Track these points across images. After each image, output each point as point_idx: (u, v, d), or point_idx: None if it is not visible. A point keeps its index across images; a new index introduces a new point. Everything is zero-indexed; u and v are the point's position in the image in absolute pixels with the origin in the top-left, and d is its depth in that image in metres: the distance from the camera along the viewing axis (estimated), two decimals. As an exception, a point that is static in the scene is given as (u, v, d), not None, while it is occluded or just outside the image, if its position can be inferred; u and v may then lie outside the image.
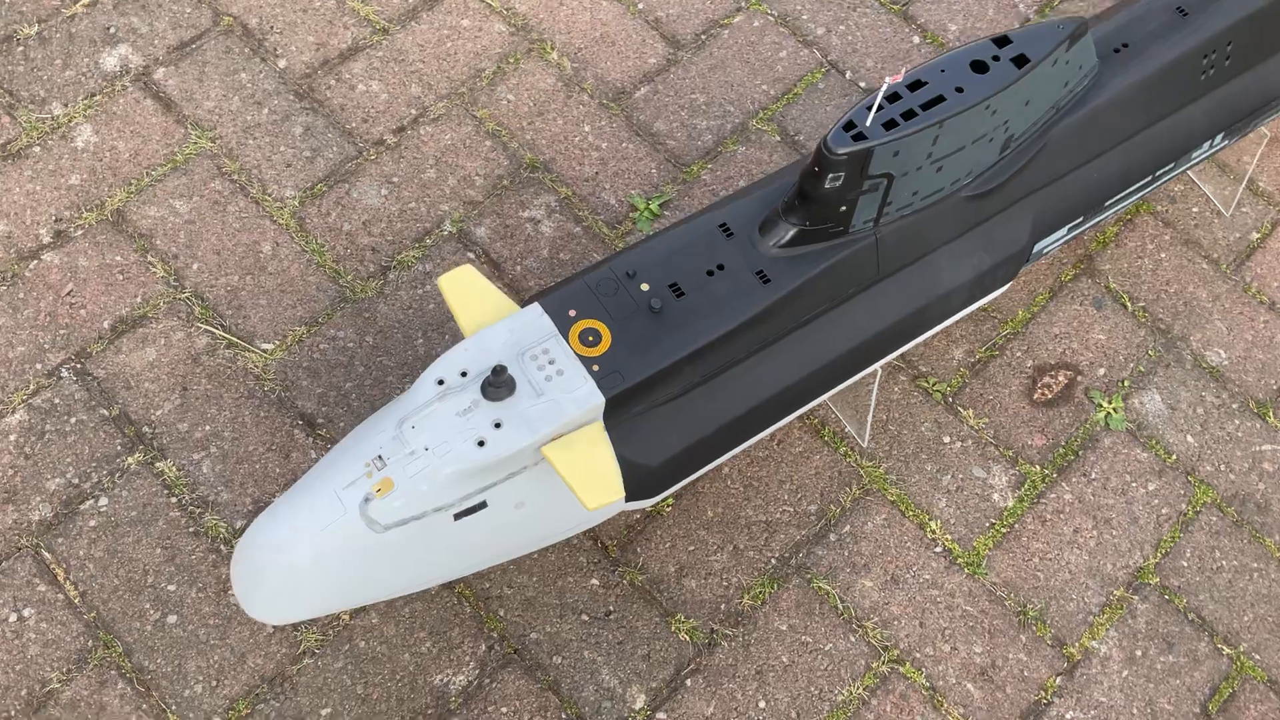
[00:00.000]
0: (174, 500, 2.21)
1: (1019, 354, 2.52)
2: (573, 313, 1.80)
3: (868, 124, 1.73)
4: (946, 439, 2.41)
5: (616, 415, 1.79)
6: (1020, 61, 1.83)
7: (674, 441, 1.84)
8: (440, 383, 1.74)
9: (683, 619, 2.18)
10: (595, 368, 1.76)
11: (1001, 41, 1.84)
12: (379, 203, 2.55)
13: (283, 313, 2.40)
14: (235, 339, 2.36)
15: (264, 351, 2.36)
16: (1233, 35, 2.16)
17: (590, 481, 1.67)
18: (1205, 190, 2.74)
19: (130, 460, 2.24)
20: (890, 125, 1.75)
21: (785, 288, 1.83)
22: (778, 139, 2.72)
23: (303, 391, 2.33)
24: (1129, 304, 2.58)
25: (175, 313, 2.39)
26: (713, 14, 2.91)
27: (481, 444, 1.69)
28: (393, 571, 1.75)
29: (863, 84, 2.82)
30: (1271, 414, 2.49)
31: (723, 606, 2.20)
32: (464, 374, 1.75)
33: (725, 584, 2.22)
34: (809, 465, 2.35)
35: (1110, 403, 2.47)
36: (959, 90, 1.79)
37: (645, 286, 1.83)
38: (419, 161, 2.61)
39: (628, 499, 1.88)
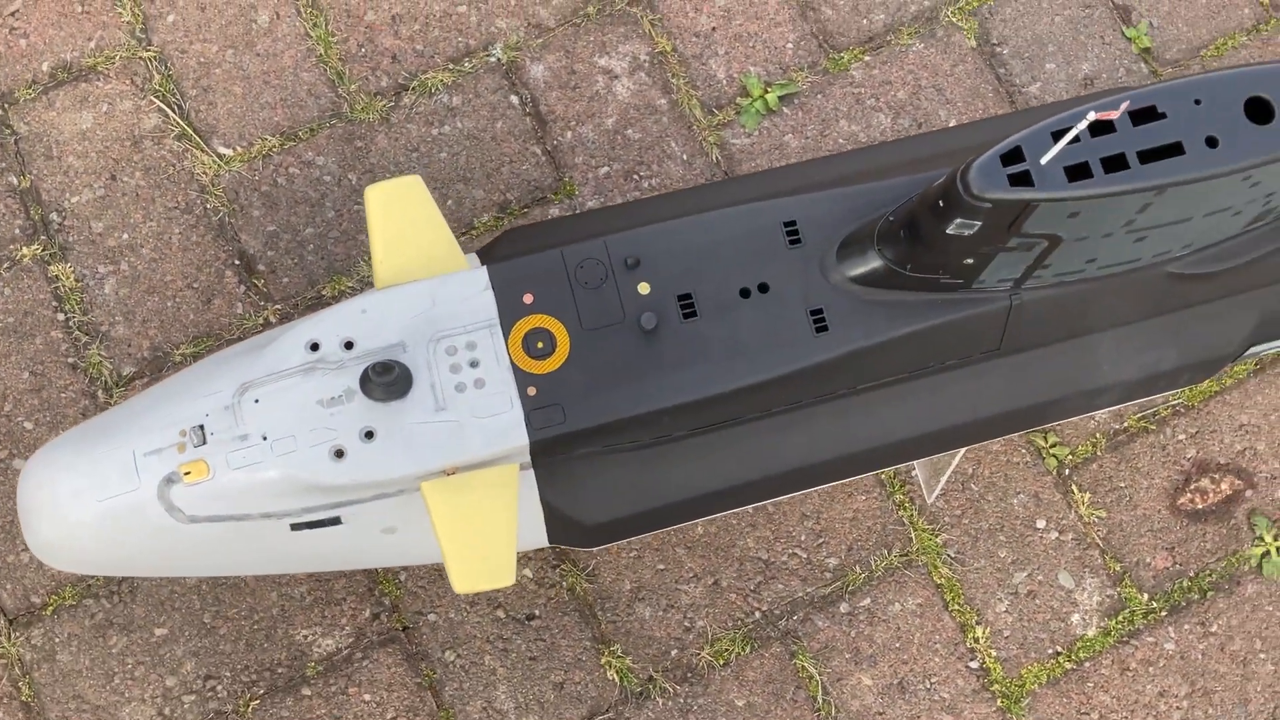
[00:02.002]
0: (61, 318, 1.78)
1: (1182, 437, 1.86)
2: (529, 298, 1.23)
3: (1043, 161, 1.06)
4: (1041, 524, 1.81)
5: (551, 451, 1.25)
6: (1333, 117, 1.10)
7: (627, 502, 1.31)
8: (314, 348, 1.22)
9: (619, 653, 1.71)
10: (532, 391, 1.21)
11: (1318, 75, 1.11)
12: (422, -5, 1.94)
13: (257, 112, 1.87)
14: (190, 129, 1.85)
15: (220, 157, 1.85)
16: None
17: (471, 556, 1.16)
18: None
19: (25, 253, 1.80)
20: (1078, 172, 1.07)
21: (843, 347, 1.23)
22: (972, 45, 1.99)
23: (251, 223, 1.83)
24: (1360, 412, 1.87)
25: (130, 73, 1.88)
26: None
27: (340, 455, 1.19)
28: (202, 559, 1.30)
29: (1115, -4, 2.03)
30: None
31: (673, 653, 1.72)
32: (349, 345, 1.22)
33: (687, 625, 1.73)
34: (848, 506, 1.79)
35: (1276, 539, 1.82)
36: (1210, 143, 1.08)
37: (645, 288, 1.24)
38: (490, -49, 1.98)
39: (551, 541, 1.37)
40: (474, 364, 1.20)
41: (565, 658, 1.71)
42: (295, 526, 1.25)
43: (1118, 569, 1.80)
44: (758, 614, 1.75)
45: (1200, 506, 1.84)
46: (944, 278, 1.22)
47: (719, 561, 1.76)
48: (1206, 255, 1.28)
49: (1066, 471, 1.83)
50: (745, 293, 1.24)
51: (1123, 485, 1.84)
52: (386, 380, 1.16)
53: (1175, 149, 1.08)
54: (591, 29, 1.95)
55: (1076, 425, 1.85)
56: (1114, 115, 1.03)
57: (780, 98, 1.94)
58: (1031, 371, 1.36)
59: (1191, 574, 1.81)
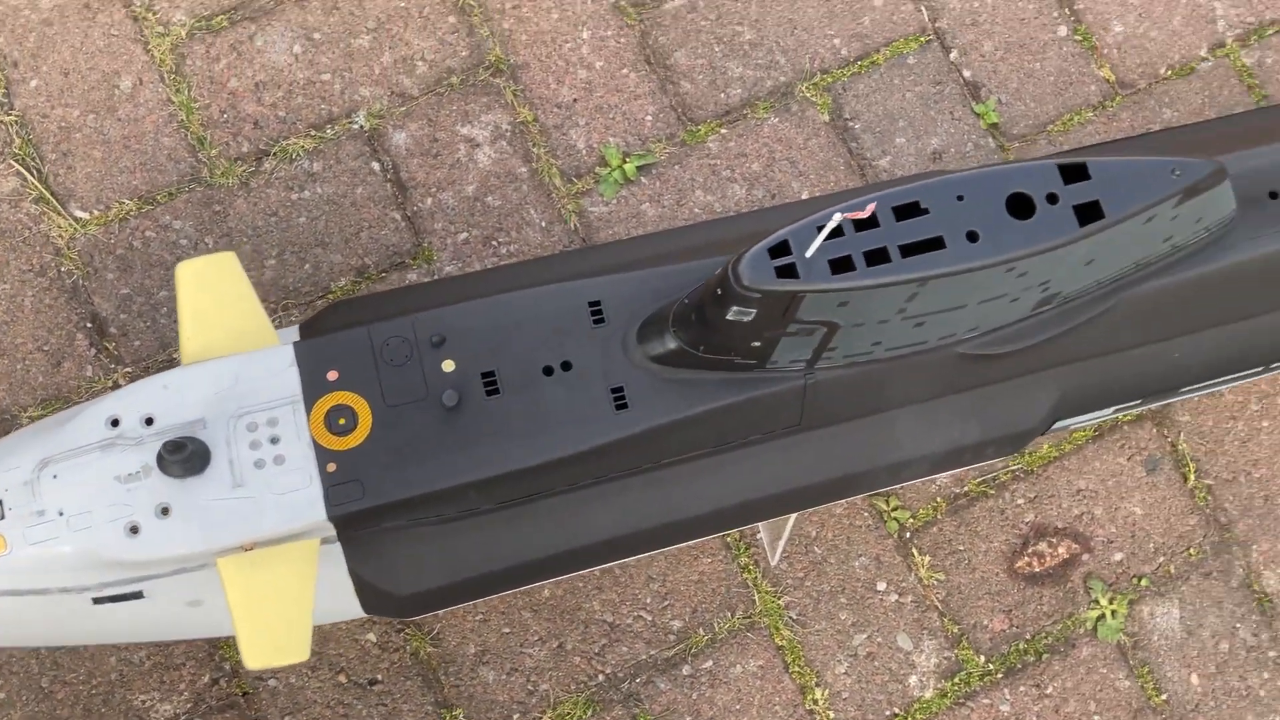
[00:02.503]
0: (-92, 379, 1.78)
1: (1021, 502, 1.91)
2: (333, 375, 1.26)
3: (808, 254, 1.11)
4: (882, 586, 1.85)
5: (357, 525, 1.28)
6: (1088, 213, 1.17)
7: (438, 573, 1.34)
8: (114, 424, 1.24)
9: (461, 718, 1.73)
10: (331, 467, 1.23)
11: (1073, 173, 1.17)
12: (285, 62, 1.98)
13: (116, 176, 1.89)
14: (48, 193, 1.87)
15: (76, 220, 1.87)
16: None
17: (265, 631, 1.17)
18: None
19: (-127, 313, 1.80)
20: (842, 265, 1.12)
21: (645, 423, 1.27)
22: (825, 119, 2.05)
23: (105, 286, 1.84)
24: (1191, 477, 1.94)
25: (-10, 137, 1.89)
26: (807, -79, 2.17)
27: (134, 531, 1.21)
28: (7, 631, 1.31)
29: (968, 73, 2.10)
30: (1317, 681, 1.87)
31: (515, 717, 1.74)
32: (149, 421, 1.24)
33: (530, 689, 1.76)
34: (694, 569, 1.83)
35: (1111, 602, 1.87)
36: (971, 237, 1.14)
37: (449, 366, 1.28)
38: (355, 20, 2.02)
39: (366, 611, 1.39)
40: (274, 440, 1.23)
41: (407, 721, 1.72)
42: (97, 600, 1.26)
43: (955, 631, 1.84)
44: (601, 677, 1.77)
45: (1038, 570, 1.90)
46: (737, 359, 1.26)
47: (564, 624, 1.78)
48: (996, 337, 1.34)
49: (908, 535, 1.88)
50: (549, 370, 1.28)
51: (962, 549, 1.89)
52: (180, 458, 1.18)
53: (937, 243, 1.13)
54: (455, 98, 1.99)
55: (918, 489, 1.90)
56: (861, 215, 1.09)
57: (638, 168, 1.99)
58: (835, 446, 1.40)
59: (1028, 636, 1.86)
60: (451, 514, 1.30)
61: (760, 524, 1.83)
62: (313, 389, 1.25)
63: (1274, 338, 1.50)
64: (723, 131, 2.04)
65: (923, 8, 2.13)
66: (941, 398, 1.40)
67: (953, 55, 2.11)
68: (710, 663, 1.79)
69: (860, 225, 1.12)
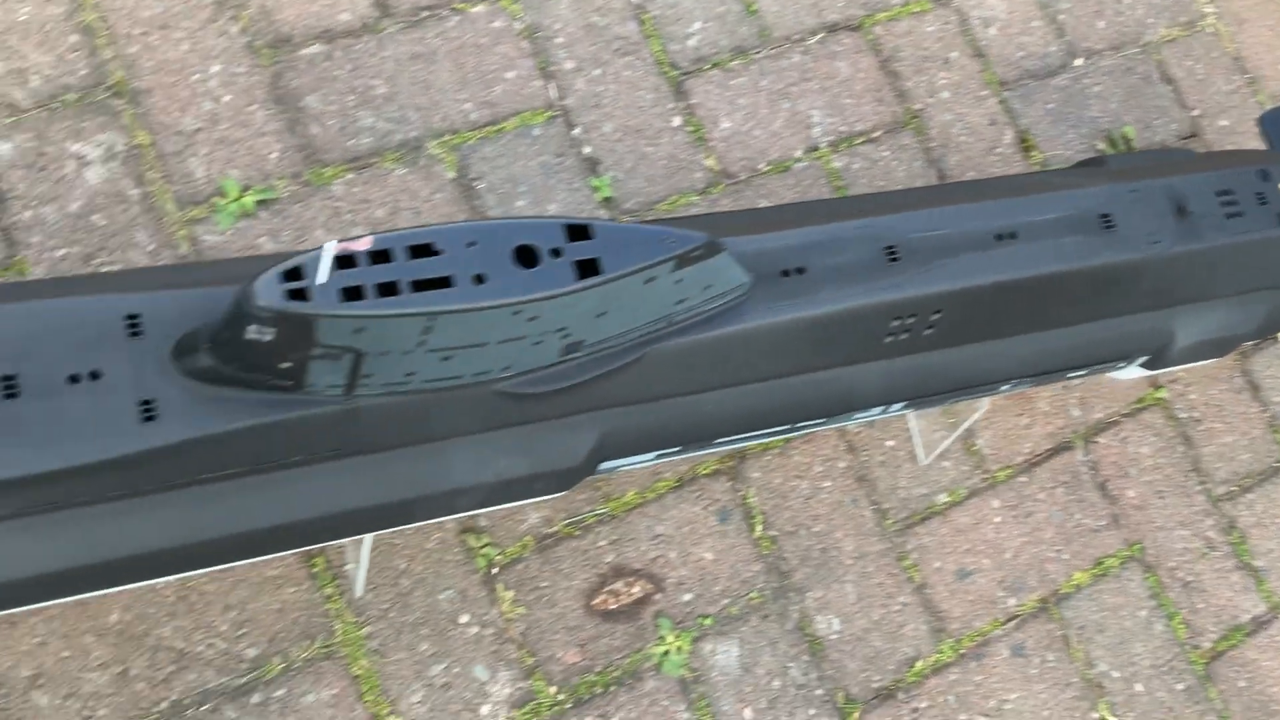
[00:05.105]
0: None
1: (603, 543, 2.05)
2: None
3: (319, 282, 1.19)
4: (464, 619, 1.94)
5: None
6: (588, 268, 1.31)
7: None
8: None
9: (4, 745, 1.67)
10: None
11: (578, 232, 1.32)
12: (-117, 60, 1.91)
13: None
14: None
15: None
16: (944, 304, 1.69)
17: None
18: (911, 423, 2.30)
19: None
20: (355, 294, 1.21)
21: (172, 436, 1.30)
22: (452, 176, 2.16)
23: None
24: (758, 528, 2.13)
25: None
26: (451, -9, 2.30)
27: None
28: None
29: (588, 150, 2.27)
30: (856, 717, 2.09)
31: (66, 744, 1.70)
32: None
33: (87, 715, 1.72)
34: (275, 596, 1.85)
35: (677, 639, 2.02)
36: (479, 280, 1.26)
37: (-29, 363, 1.27)
38: (-32, 27, 1.98)
39: None
40: None
41: (-60, 749, 1.65)
42: None
43: (531, 663, 1.95)
44: (165, 704, 1.76)
45: (613, 607, 2.03)
46: (272, 379, 1.32)
47: (130, 650, 1.76)
48: (531, 378, 1.46)
49: (494, 570, 1.98)
50: (75, 378, 1.29)
51: (545, 585, 2.00)
52: None
53: (446, 281, 1.24)
54: (69, 115, 1.98)
55: (507, 528, 2.01)
56: (355, 248, 1.19)
57: (258, 202, 2.03)
58: (385, 471, 1.48)
59: (598, 670, 1.98)
60: (-38, 518, 1.29)
61: (348, 552, 1.88)
62: None
63: (790, 397, 1.70)
64: (349, 176, 2.11)
65: (552, 86, 2.29)
66: (487, 432, 1.51)
67: (575, 131, 2.28)
68: (283, 690, 1.81)
69: (375, 258, 1.21)
